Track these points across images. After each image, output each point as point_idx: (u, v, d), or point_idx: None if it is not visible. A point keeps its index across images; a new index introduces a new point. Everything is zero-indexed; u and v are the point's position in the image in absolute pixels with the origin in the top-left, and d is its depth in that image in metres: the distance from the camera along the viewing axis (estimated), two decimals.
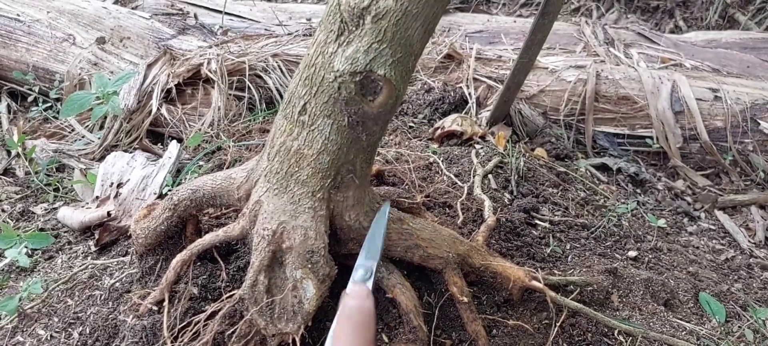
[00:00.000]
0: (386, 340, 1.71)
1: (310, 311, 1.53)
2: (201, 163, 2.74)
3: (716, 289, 2.27)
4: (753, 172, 3.13)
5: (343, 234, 1.64)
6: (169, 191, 2.48)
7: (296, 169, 1.51)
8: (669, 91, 3.16)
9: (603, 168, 3.09)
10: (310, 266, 1.52)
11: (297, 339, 1.52)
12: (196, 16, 4.14)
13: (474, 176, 2.47)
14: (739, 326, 2.09)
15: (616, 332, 1.92)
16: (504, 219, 2.26)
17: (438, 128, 3.00)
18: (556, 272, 2.11)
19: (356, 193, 1.59)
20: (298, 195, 1.52)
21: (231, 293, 1.57)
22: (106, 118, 3.12)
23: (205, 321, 1.58)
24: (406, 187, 2.19)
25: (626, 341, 1.91)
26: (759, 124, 3.08)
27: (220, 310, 1.57)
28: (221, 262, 1.75)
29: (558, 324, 1.86)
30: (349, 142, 1.48)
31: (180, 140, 3.01)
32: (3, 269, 2.28)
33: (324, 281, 1.55)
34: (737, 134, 3.10)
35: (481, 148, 2.80)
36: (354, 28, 1.35)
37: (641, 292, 2.10)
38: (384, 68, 1.36)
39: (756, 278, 2.44)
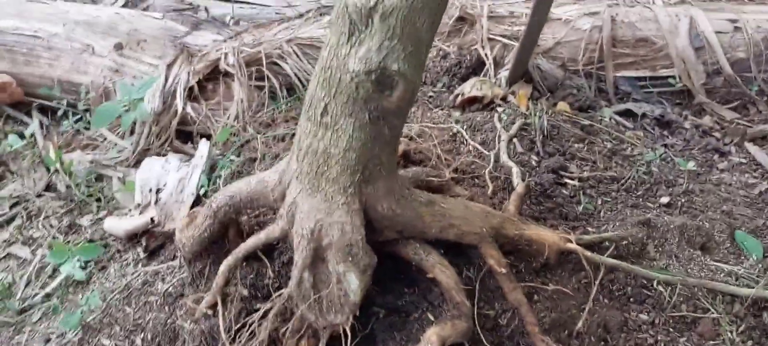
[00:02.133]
0: (432, 319, 1.78)
1: (356, 302, 1.60)
2: (232, 158, 2.80)
3: (752, 225, 2.28)
4: None
5: (378, 223, 1.69)
6: (205, 190, 2.56)
7: (325, 168, 1.56)
8: (687, 28, 3.12)
9: (627, 114, 3.07)
10: (350, 258, 1.58)
11: (347, 329, 1.59)
12: (207, 10, 4.16)
13: (499, 143, 2.49)
14: None
15: (655, 282, 1.96)
16: (533, 183, 2.28)
17: (458, 95, 3.01)
18: (589, 229, 2.14)
19: (385, 183, 1.64)
20: (331, 193, 1.57)
21: (279, 292, 1.65)
22: (135, 123, 3.19)
23: (259, 320, 1.66)
24: (434, 164, 2.23)
25: (666, 290, 1.94)
26: None
27: (271, 309, 1.65)
28: (266, 260, 1.83)
29: (597, 282, 1.90)
30: (373, 137, 1.52)
31: (208, 136, 3.07)
32: (61, 284, 2.39)
33: (365, 271, 1.62)
34: (761, 63, 3.06)
35: (504, 110, 2.81)
36: (364, 28, 1.38)
37: (676, 239, 2.12)
38: (397, 63, 1.39)
39: None
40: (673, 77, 3.16)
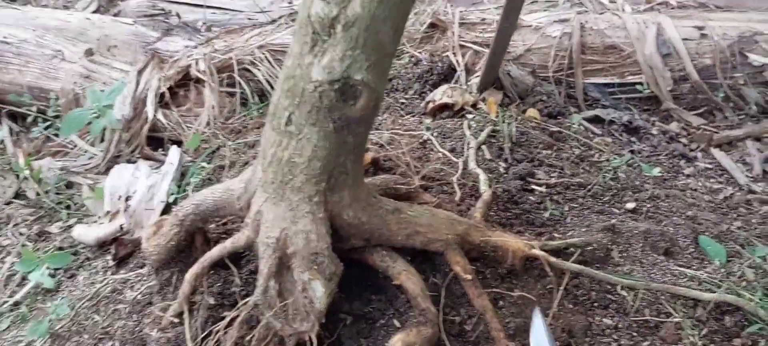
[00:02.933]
0: (398, 325, 1.79)
1: (321, 310, 1.61)
2: (203, 165, 2.80)
3: (716, 230, 2.32)
4: (746, 105, 3.15)
5: (344, 231, 1.70)
6: (175, 197, 2.56)
7: (290, 177, 1.56)
8: (655, 35, 3.17)
9: (596, 120, 3.12)
10: (316, 267, 1.59)
11: (313, 336, 1.60)
12: (178, 15, 4.14)
13: (468, 150, 2.52)
14: (739, 266, 2.14)
15: (619, 287, 1.99)
16: (500, 190, 2.31)
17: (429, 102, 3.04)
18: (555, 235, 2.17)
19: (351, 191, 1.65)
20: (296, 202, 1.58)
21: (245, 300, 1.65)
22: (105, 130, 3.17)
23: (224, 329, 1.66)
24: (403, 171, 2.25)
25: (629, 295, 1.97)
26: (747, 57, 3.09)
27: (237, 317, 1.65)
28: (233, 268, 1.83)
29: (562, 288, 1.93)
30: (337, 146, 1.53)
31: (179, 143, 3.06)
32: (29, 292, 2.36)
33: (331, 279, 1.63)
34: (727, 69, 3.12)
35: (473, 118, 2.84)
36: (327, 38, 1.39)
37: (641, 244, 2.16)
38: (361, 73, 1.41)
39: (755, 213, 2.49)
40: (641, 84, 3.21)
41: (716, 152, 2.96)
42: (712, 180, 2.77)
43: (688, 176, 2.79)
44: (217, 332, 1.63)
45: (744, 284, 2.06)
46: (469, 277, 1.78)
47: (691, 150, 3.00)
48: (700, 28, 3.21)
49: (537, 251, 1.87)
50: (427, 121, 2.91)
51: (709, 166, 2.89)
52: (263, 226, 1.61)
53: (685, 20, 3.30)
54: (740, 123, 3.13)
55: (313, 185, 1.57)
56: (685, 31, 3.21)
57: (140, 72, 3.37)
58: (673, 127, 3.14)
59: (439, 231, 1.80)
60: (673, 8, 3.59)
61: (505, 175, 2.46)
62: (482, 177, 2.29)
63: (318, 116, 1.48)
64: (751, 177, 2.78)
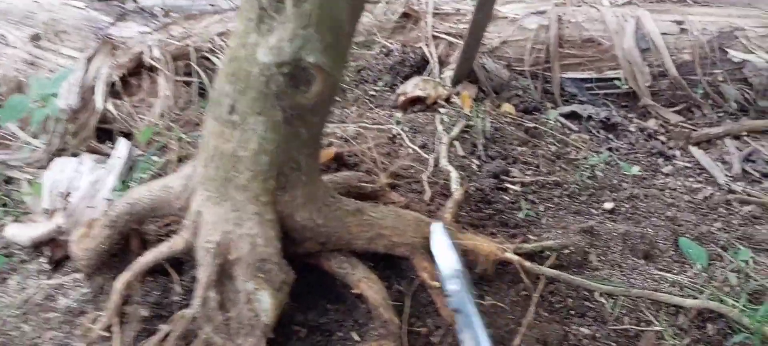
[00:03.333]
0: (357, 338, 1.62)
1: (268, 323, 1.42)
2: (154, 159, 2.59)
3: (696, 231, 2.20)
4: (725, 102, 3.05)
5: (297, 234, 1.52)
6: (121, 195, 2.34)
7: (234, 173, 1.38)
8: (634, 29, 3.05)
9: (573, 116, 2.99)
10: (262, 275, 1.41)
11: None
12: (135, 0, 3.91)
13: (439, 145, 2.36)
14: (721, 269, 2.02)
15: (597, 293, 1.85)
16: (473, 188, 2.16)
17: (400, 95, 2.87)
18: (530, 237, 2.02)
19: (305, 190, 1.47)
20: (240, 201, 1.39)
21: (182, 313, 1.46)
22: (48, 121, 2.94)
23: (158, 344, 1.47)
24: (369, 168, 2.07)
25: (608, 302, 1.84)
26: (727, 53, 2.99)
27: (172, 332, 1.46)
28: (174, 275, 1.64)
29: (536, 294, 1.78)
30: (288, 138, 1.35)
31: (131, 136, 2.85)
32: None
33: (280, 289, 1.44)
34: (706, 66, 3.01)
35: (446, 112, 2.68)
36: (275, 14, 1.21)
37: (620, 247, 2.03)
38: (314, 55, 1.23)
39: (736, 213, 2.38)
40: (619, 79, 3.09)
41: (695, 151, 2.85)
42: (691, 179, 2.65)
43: (666, 174, 2.67)
44: None
45: (727, 289, 1.94)
46: (437, 284, 1.62)
47: (670, 148, 2.88)
48: (680, 23, 3.10)
49: (511, 255, 1.72)
50: (398, 114, 2.75)
51: (688, 164, 2.77)
52: (203, 228, 1.42)
53: (665, 14, 3.19)
54: (719, 121, 3.03)
55: (260, 182, 1.39)
56: (664, 26, 3.10)
57: (90, 59, 3.14)
58: (651, 124, 3.03)
59: (405, 234, 1.63)
60: (652, 2, 3.48)
61: (479, 173, 2.31)
62: (454, 175, 2.13)
63: (265, 104, 1.29)
64: (731, 176, 2.67)
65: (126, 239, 1.67)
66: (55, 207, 2.40)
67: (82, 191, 2.42)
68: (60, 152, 2.87)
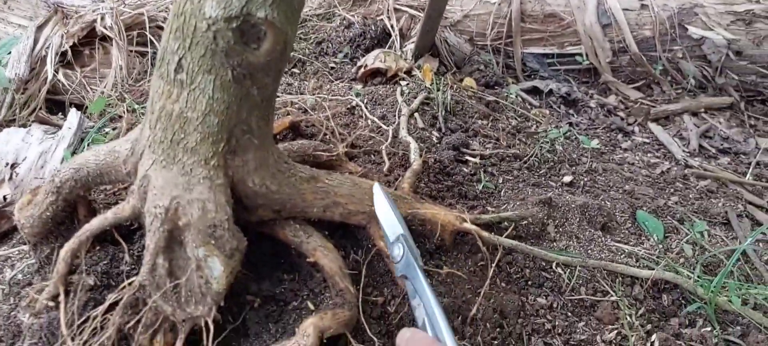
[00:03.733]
0: (312, 307, 1.58)
1: (219, 291, 1.38)
2: (106, 130, 2.51)
3: (653, 205, 2.22)
4: (684, 79, 3.08)
5: (250, 201, 1.47)
6: None
7: (182, 135, 1.32)
8: (595, 4, 3.05)
9: (534, 91, 2.99)
10: (213, 241, 1.36)
11: (209, 322, 1.37)
12: None
13: (399, 117, 2.32)
14: (677, 242, 2.05)
15: (554, 264, 1.85)
16: (433, 160, 2.13)
17: (361, 67, 2.83)
18: (489, 208, 2.01)
19: (257, 154, 1.42)
20: (189, 165, 1.34)
21: (130, 280, 1.41)
22: None
23: (104, 314, 1.41)
24: (325, 137, 2.03)
25: (565, 272, 1.84)
26: (687, 29, 3.01)
27: (120, 300, 1.40)
28: (123, 243, 1.57)
29: (494, 264, 1.77)
30: (239, 98, 1.30)
31: (83, 107, 2.76)
32: None
33: (232, 256, 1.40)
34: (666, 42, 3.03)
35: (407, 84, 2.64)
36: None
37: (577, 219, 2.03)
38: (264, 10, 1.18)
39: (692, 188, 2.41)
40: (580, 55, 3.10)
41: (653, 126, 2.88)
42: (649, 154, 2.68)
43: (625, 149, 2.69)
44: (95, 317, 1.38)
45: (682, 260, 1.96)
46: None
47: (629, 124, 2.91)
48: None
49: (468, 225, 1.70)
50: (358, 87, 2.70)
51: (647, 140, 2.80)
52: (151, 193, 1.36)
53: None
54: (677, 97, 3.06)
55: (210, 144, 1.33)
56: (625, 2, 3.11)
57: (40, 27, 3.03)
58: (611, 100, 3.04)
59: (362, 202, 1.60)
60: None
61: (438, 145, 2.28)
62: (413, 146, 2.10)
63: (213, 62, 1.24)
64: (688, 152, 2.70)
65: (73, 207, 1.60)
66: (1, 178, 2.31)
67: (30, 161, 2.34)
68: (8, 123, 2.76)
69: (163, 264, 1.35)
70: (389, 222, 1.48)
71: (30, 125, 2.62)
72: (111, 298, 1.40)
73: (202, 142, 1.33)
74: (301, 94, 2.54)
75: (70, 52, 2.95)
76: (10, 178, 2.27)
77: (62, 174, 1.52)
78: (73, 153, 2.34)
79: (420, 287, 1.30)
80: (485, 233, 1.74)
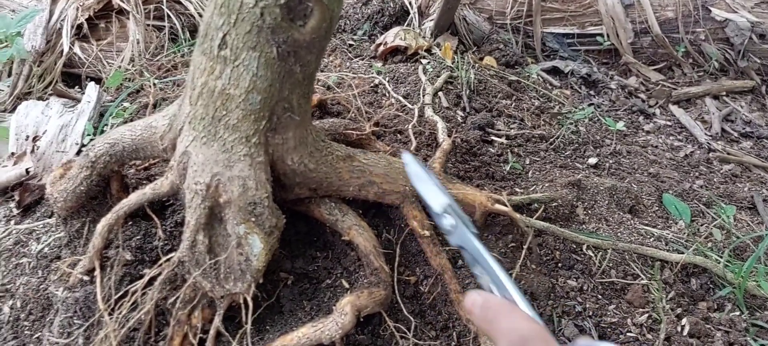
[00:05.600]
0: (346, 286, 1.58)
1: (259, 268, 1.37)
2: (125, 104, 2.49)
3: (679, 188, 2.22)
4: (706, 62, 3.06)
5: (288, 179, 1.46)
6: (92, 139, 2.25)
7: (224, 112, 1.30)
8: None
9: (554, 72, 2.96)
10: (253, 219, 1.35)
11: (248, 298, 1.37)
12: None
13: (424, 96, 2.31)
14: (704, 225, 2.04)
15: (584, 246, 1.85)
16: (459, 139, 2.12)
17: (380, 44, 2.80)
18: (517, 190, 2.00)
19: (297, 133, 1.41)
20: (231, 142, 1.32)
21: (169, 256, 1.40)
22: (13, 63, 2.80)
23: (143, 289, 1.41)
24: (353, 116, 2.01)
25: (596, 255, 1.83)
26: (710, 11, 2.98)
27: (158, 275, 1.40)
28: (156, 219, 1.56)
29: (525, 246, 1.76)
30: (282, 76, 1.28)
31: (99, 81, 2.73)
32: None
33: (271, 233, 1.39)
34: (689, 24, 3.01)
35: (428, 63, 2.62)
36: None
37: (606, 201, 2.02)
38: None
39: (716, 172, 2.40)
40: (601, 35, 3.07)
41: (675, 109, 2.86)
42: (671, 137, 2.66)
43: (648, 132, 2.68)
44: (134, 292, 1.38)
45: (710, 245, 1.96)
46: (427, 233, 1.59)
47: (650, 106, 2.89)
48: None
49: (502, 206, 1.69)
50: (378, 65, 2.68)
51: (668, 123, 2.79)
52: (191, 170, 1.35)
53: None
54: (699, 80, 3.04)
55: (251, 122, 1.32)
56: None
57: (55, 0, 2.99)
58: (632, 82, 3.02)
59: (396, 182, 1.59)
60: None
61: (464, 124, 2.27)
62: (440, 125, 2.09)
63: (259, 38, 1.22)
64: (710, 135, 2.69)
65: (106, 182, 1.59)
66: (22, 151, 2.30)
67: (51, 134, 2.32)
68: (26, 96, 2.74)
69: (203, 241, 1.35)
70: (431, 192, 1.44)
71: (48, 98, 2.60)
72: (150, 273, 1.39)
73: (243, 119, 1.31)
74: (322, 70, 2.52)
75: (86, 25, 2.92)
76: (32, 151, 2.26)
77: (97, 148, 1.51)
78: (95, 127, 2.32)
79: (479, 255, 1.28)
80: (517, 215, 1.73)
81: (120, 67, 2.76)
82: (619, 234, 1.91)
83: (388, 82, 2.47)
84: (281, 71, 1.28)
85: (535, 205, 1.89)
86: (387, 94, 2.39)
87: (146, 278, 1.39)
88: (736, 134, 2.70)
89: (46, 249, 1.85)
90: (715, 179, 2.33)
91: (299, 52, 1.27)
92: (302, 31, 1.24)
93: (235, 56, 1.25)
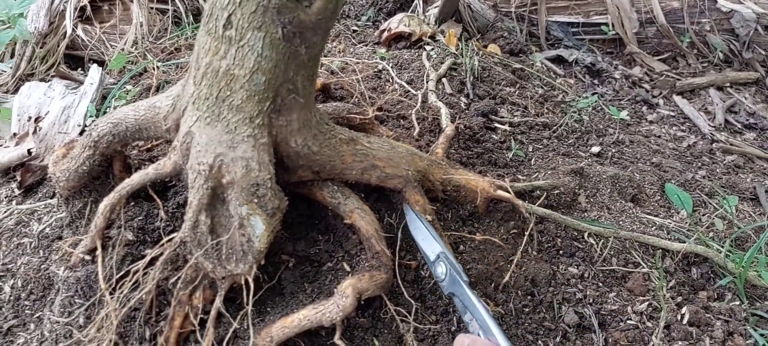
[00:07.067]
0: (348, 269, 1.58)
1: (261, 249, 1.37)
2: (128, 87, 2.48)
3: (681, 178, 2.21)
4: (710, 53, 3.05)
5: (291, 162, 1.46)
6: (94, 121, 2.25)
7: (228, 93, 1.30)
8: None
9: (558, 60, 2.95)
10: (256, 200, 1.35)
11: (250, 280, 1.37)
12: None
13: (427, 82, 2.30)
14: (706, 215, 2.04)
15: (586, 234, 1.85)
16: (462, 126, 2.11)
17: (384, 30, 2.79)
18: (520, 177, 2.00)
19: (301, 115, 1.40)
20: (234, 123, 1.32)
21: (171, 236, 1.40)
22: (16, 44, 2.80)
23: (144, 269, 1.41)
24: (356, 100, 2.01)
25: (597, 243, 1.83)
26: (716, 2, 2.97)
27: (160, 256, 1.40)
28: (158, 199, 1.56)
29: (527, 233, 1.76)
30: (287, 57, 1.28)
31: (102, 63, 2.73)
32: None
33: (274, 215, 1.39)
34: (694, 14, 2.99)
35: (432, 49, 2.61)
36: None
37: (608, 190, 2.02)
38: None
39: (719, 163, 2.40)
40: (606, 25, 3.06)
41: (678, 99, 2.85)
42: (675, 128, 2.66)
43: (651, 122, 2.68)
44: (136, 272, 1.38)
45: (711, 234, 1.96)
46: (430, 218, 1.59)
47: (654, 96, 2.88)
48: None
49: (504, 193, 1.69)
50: (382, 50, 2.67)
51: (672, 113, 2.78)
52: (194, 150, 1.35)
53: None
54: (703, 71, 3.03)
55: (255, 103, 1.32)
56: None
57: None
58: (636, 71, 3.01)
59: (399, 166, 1.58)
60: None
61: (467, 110, 2.26)
62: (444, 111, 2.09)
63: (264, 18, 1.21)
64: (714, 126, 2.68)
65: (108, 162, 1.59)
66: (24, 132, 2.30)
67: (53, 116, 2.32)
68: (28, 77, 2.74)
69: (205, 221, 1.35)
70: (427, 241, 1.50)
71: (50, 80, 2.60)
72: (151, 253, 1.39)
73: (247, 100, 1.31)
74: (326, 55, 2.51)
75: (89, 7, 2.91)
76: (34, 132, 2.26)
77: (100, 128, 1.51)
78: (97, 110, 2.32)
79: (469, 302, 1.32)
80: (519, 202, 1.73)
81: (123, 49, 2.76)
82: (620, 222, 1.91)
83: (391, 67, 2.47)
84: (286, 52, 1.28)
85: (538, 192, 1.89)
86: (390, 80, 2.38)
87: (148, 258, 1.39)
88: (739, 125, 2.70)
89: (48, 229, 1.85)
90: (717, 170, 2.33)
91: (305, 33, 1.27)
92: (308, 11, 1.23)
93: (240, 36, 1.25)
